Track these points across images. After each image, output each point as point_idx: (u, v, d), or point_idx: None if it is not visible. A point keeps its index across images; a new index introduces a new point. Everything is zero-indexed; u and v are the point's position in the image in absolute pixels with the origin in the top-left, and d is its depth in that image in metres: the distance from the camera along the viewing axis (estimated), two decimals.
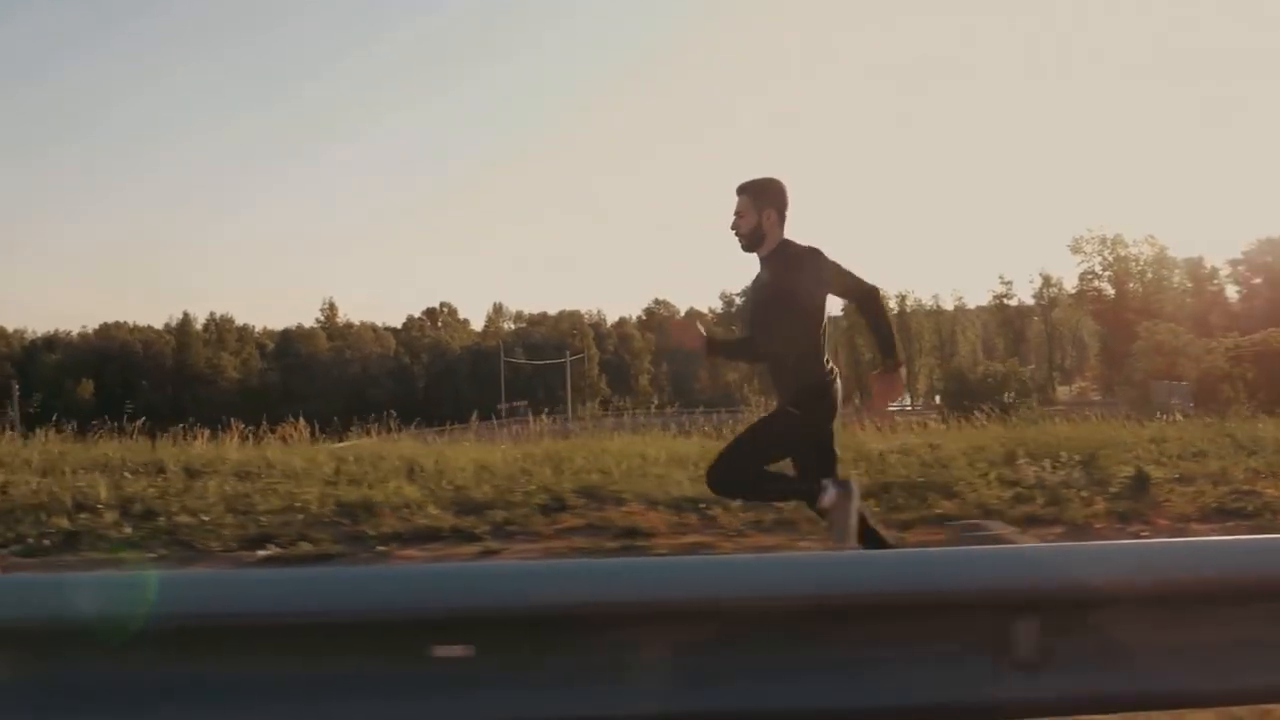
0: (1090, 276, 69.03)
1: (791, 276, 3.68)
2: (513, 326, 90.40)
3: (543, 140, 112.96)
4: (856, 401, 34.23)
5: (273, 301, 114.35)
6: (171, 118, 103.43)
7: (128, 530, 5.16)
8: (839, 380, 3.78)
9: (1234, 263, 70.71)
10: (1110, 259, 68.35)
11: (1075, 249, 68.98)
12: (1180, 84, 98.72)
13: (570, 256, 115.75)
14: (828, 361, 3.78)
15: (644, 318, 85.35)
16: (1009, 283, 73.77)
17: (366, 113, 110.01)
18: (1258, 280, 68.52)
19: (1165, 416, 10.97)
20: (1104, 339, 68.70)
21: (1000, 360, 68.80)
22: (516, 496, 5.85)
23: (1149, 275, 68.29)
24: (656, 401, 54.47)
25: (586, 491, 6.10)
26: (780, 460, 3.89)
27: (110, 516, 5.32)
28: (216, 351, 76.82)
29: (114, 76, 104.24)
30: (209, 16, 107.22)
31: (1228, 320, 64.11)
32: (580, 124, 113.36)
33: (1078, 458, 6.71)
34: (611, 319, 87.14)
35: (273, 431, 10.67)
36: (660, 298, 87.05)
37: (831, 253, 3.70)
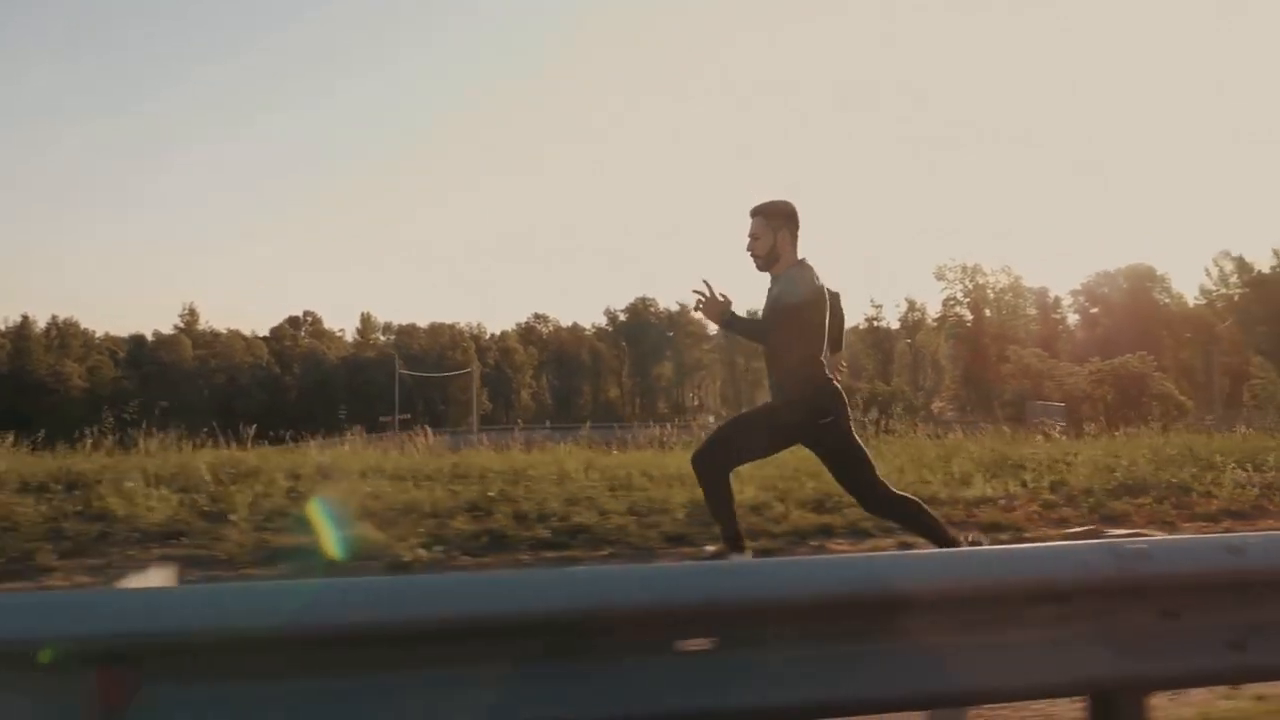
0: (952, 303, 73.98)
1: (801, 294, 3.95)
2: (383, 338, 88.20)
3: (412, 148, 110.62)
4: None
5: (123, 307, 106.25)
6: (18, 119, 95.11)
7: (543, 531, 5.04)
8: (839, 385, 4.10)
9: (1075, 293, 77.60)
10: (970, 287, 73.44)
11: (939, 276, 73.86)
12: (1030, 120, 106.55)
13: (442, 268, 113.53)
14: (827, 369, 4.06)
15: (524, 331, 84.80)
16: (879, 306, 77.85)
17: (222, 118, 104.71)
18: (1095, 309, 75.33)
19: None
20: (963, 362, 73.52)
21: (869, 380, 72.62)
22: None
23: (1004, 302, 73.71)
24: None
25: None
26: (767, 452, 4.18)
27: (500, 519, 5.17)
28: (60, 358, 71.03)
29: None
30: (65, 16, 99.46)
31: (1072, 346, 70.20)
32: (450, 133, 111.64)
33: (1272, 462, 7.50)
34: (480, 331, 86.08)
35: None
36: (539, 312, 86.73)
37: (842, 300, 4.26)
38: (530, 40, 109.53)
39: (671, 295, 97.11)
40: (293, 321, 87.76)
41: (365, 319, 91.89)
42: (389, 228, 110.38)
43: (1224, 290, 66.14)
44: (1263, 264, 63.69)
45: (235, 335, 73.89)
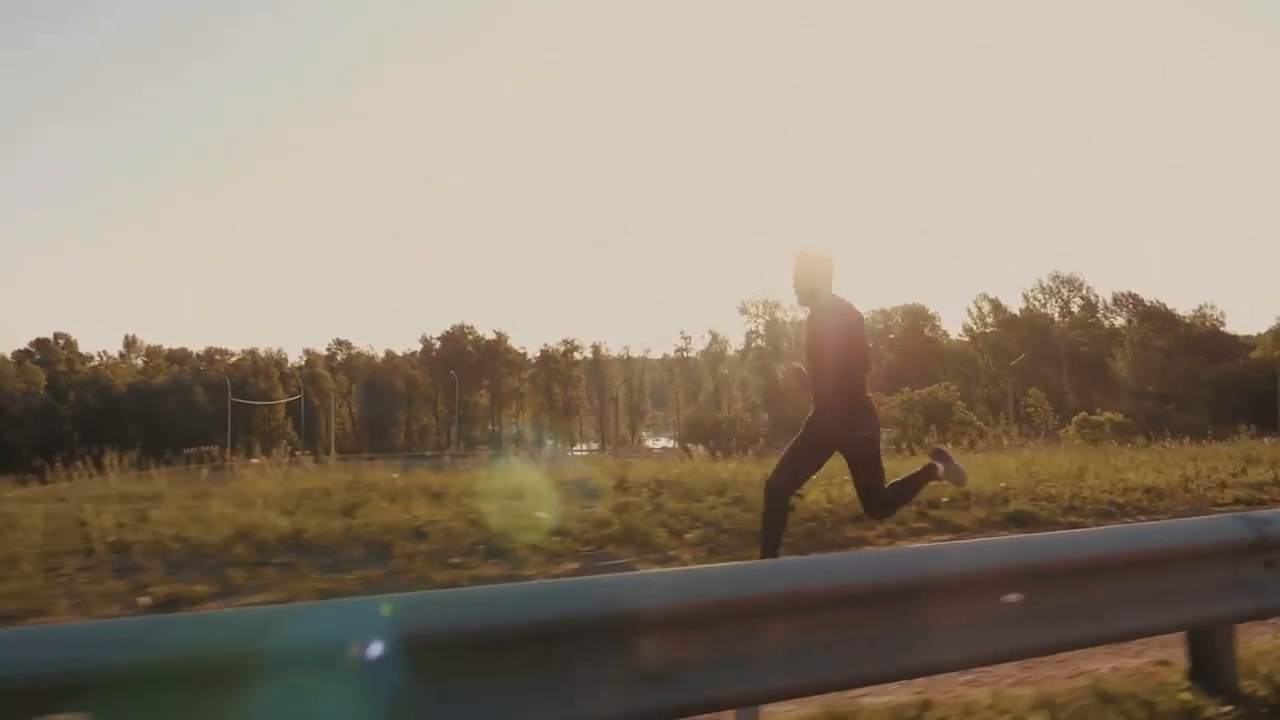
0: (754, 335, 79.49)
1: (849, 328, 4.58)
2: (140, 362, 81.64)
3: (187, 165, 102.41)
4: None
5: None
6: None
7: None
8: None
9: None
10: (769, 320, 79.27)
11: (743, 310, 79.21)
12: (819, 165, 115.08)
13: (219, 291, 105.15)
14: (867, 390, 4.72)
15: (328, 358, 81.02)
16: (688, 338, 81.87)
17: None
18: (873, 345, 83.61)
19: None
20: (766, 391, 79.00)
21: (681, 407, 76.29)
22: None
23: (797, 336, 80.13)
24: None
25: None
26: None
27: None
28: None
29: None
30: None
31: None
32: (230, 152, 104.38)
33: None
34: (282, 358, 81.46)
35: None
36: (341, 338, 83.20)
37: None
38: (320, 51, 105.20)
39: (488, 322, 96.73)
40: (40, 344, 78.85)
41: (128, 343, 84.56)
42: (151, 248, 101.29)
43: (982, 329, 75.80)
44: (1014, 306, 74.20)
45: (4, 360, 65.25)
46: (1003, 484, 8.48)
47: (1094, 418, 47.93)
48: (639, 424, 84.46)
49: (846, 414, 4.51)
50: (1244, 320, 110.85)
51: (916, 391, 53.64)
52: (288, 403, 65.66)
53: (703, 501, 7.27)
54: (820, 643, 2.62)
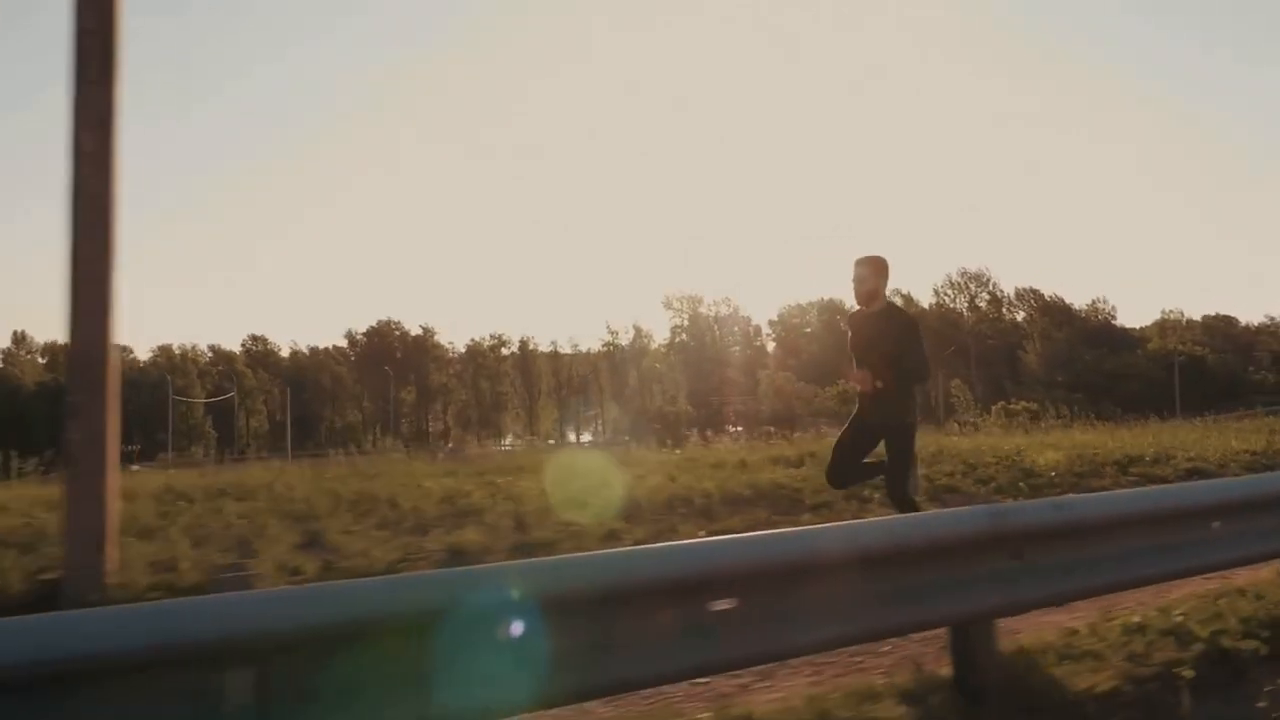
0: (679, 329, 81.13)
1: (903, 331, 5.05)
2: (43, 360, 77.70)
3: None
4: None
5: None
6: None
7: None
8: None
9: (772, 323, 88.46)
10: (692, 315, 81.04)
11: (667, 305, 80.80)
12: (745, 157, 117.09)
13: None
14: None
15: (245, 354, 78.68)
16: (615, 332, 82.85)
17: None
18: (789, 337, 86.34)
19: None
20: (687, 384, 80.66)
21: (614, 400, 77.22)
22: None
23: (719, 332, 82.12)
24: None
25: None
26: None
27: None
28: None
29: None
30: None
31: (786, 370, 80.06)
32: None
33: None
34: (197, 355, 78.61)
35: None
36: (257, 333, 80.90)
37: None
38: (237, 39, 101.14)
39: (415, 317, 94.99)
40: None
41: (16, 338, 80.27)
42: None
43: None
44: (924, 300, 78.20)
45: None
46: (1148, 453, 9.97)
47: (1011, 406, 51.57)
48: (565, 418, 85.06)
49: (898, 403, 4.94)
50: (1132, 314, 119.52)
51: (849, 384, 56.18)
52: (220, 400, 63.44)
53: None
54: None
